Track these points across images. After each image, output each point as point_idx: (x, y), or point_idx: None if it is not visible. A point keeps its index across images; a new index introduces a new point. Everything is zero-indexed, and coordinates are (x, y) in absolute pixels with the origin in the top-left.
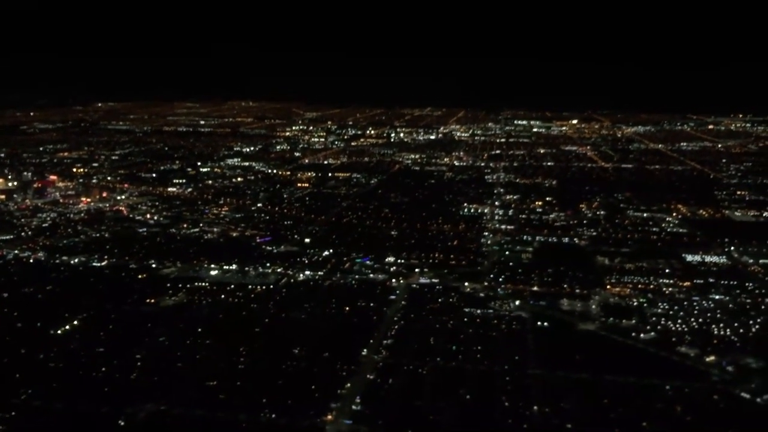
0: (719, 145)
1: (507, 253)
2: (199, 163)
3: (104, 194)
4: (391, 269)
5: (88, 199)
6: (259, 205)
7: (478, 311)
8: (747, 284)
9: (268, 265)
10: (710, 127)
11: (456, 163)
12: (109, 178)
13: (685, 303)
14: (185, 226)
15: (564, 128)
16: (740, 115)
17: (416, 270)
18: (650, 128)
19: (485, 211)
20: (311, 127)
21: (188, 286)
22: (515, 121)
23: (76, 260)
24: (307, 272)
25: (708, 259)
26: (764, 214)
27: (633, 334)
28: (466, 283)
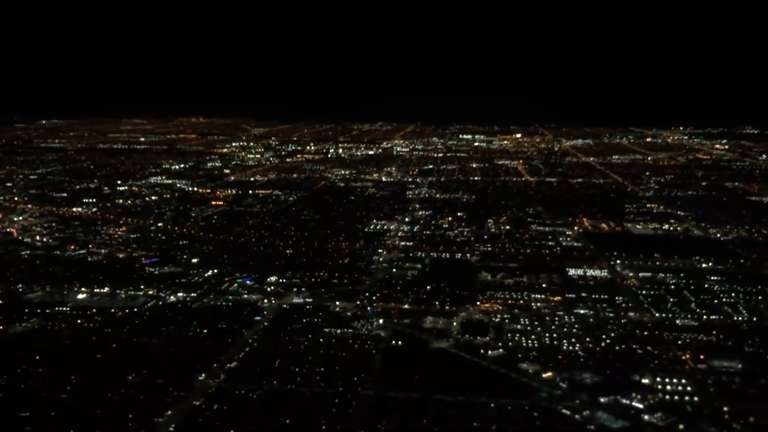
0: (649, 158)
1: (394, 270)
2: (119, 182)
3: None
4: (269, 289)
5: None
6: (160, 224)
7: (338, 331)
8: (617, 298)
9: (141, 287)
10: (648, 139)
11: (384, 178)
12: (16, 198)
13: (547, 318)
14: (73, 248)
15: (505, 142)
16: (681, 128)
17: (294, 290)
18: (589, 141)
19: (391, 227)
20: (251, 143)
21: (47, 311)
22: (460, 136)
23: None
24: (180, 294)
25: (589, 273)
26: (664, 227)
27: (482, 351)
28: (338, 303)
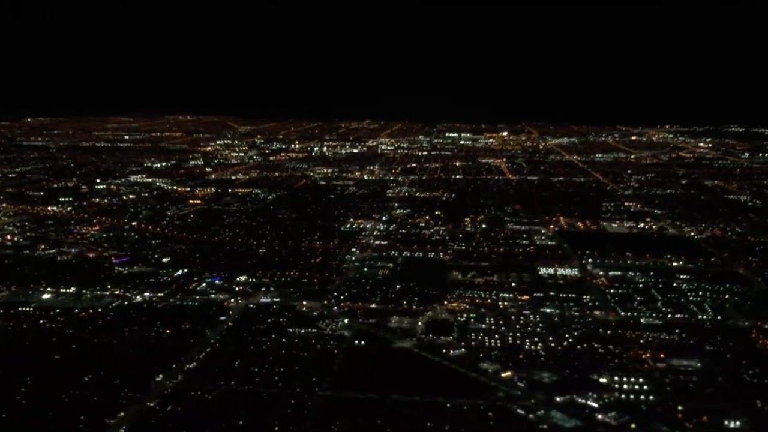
0: (632, 156)
1: (365, 270)
2: (98, 180)
3: None
4: (237, 289)
5: None
6: (134, 224)
7: (302, 331)
8: (584, 297)
9: (108, 287)
10: (634, 138)
11: (366, 177)
12: None
13: (513, 317)
14: (43, 247)
15: (491, 140)
16: (667, 126)
17: (263, 289)
18: (575, 140)
19: (368, 226)
20: (236, 142)
21: (11, 311)
22: (447, 134)
23: None
24: (147, 294)
25: (560, 272)
26: (640, 226)
27: (444, 351)
28: (305, 302)
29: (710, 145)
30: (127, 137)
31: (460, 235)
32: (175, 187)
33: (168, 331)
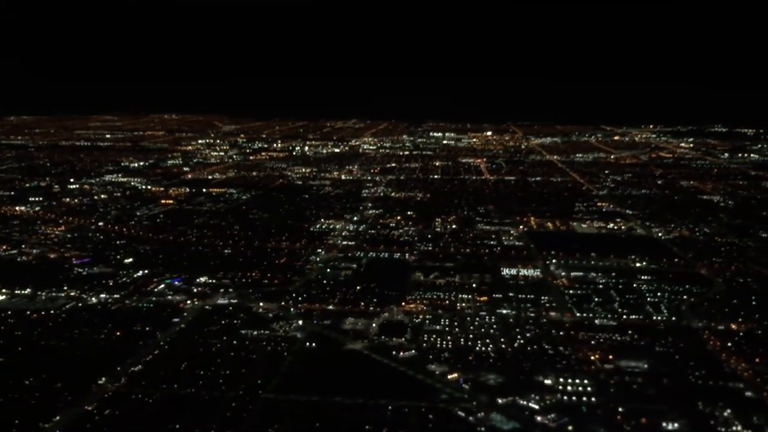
0: (612, 156)
1: (328, 270)
2: (72, 180)
3: None
4: (196, 290)
5: None
6: (101, 224)
7: (254, 333)
8: (542, 298)
9: (65, 288)
10: (616, 138)
11: (343, 177)
12: None
13: (468, 319)
14: (4, 247)
15: (474, 140)
16: (651, 126)
17: (221, 290)
18: (557, 139)
19: (337, 227)
20: (218, 141)
21: None
22: (431, 133)
23: None
24: (103, 295)
25: (522, 272)
26: (609, 226)
27: (394, 352)
28: (262, 304)
29: (691, 145)
30: (108, 136)
31: (429, 236)
32: (149, 187)
33: (118, 333)
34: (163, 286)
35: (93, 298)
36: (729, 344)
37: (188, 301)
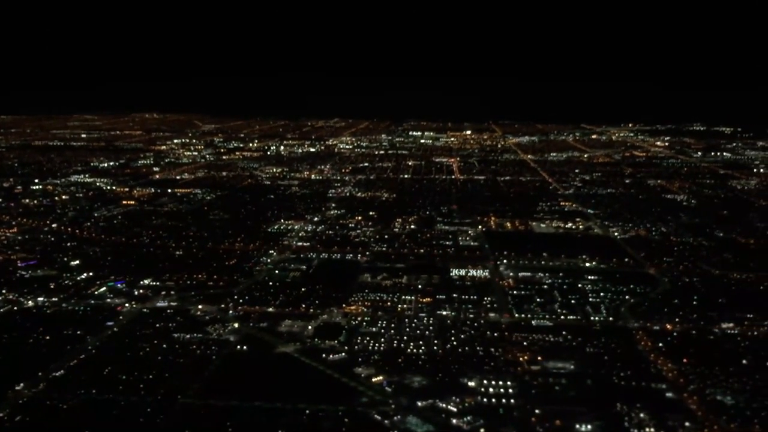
0: (586, 155)
1: (276, 272)
2: (36, 180)
3: None
4: (137, 293)
5: None
6: (55, 225)
7: (187, 336)
8: (485, 299)
9: (3, 291)
10: (594, 136)
11: (313, 176)
12: None
13: (406, 320)
14: None
15: (452, 139)
16: (630, 125)
17: (163, 293)
18: (535, 139)
19: (296, 227)
20: (194, 140)
21: None
22: (409, 133)
23: None
24: (40, 298)
25: (471, 273)
26: (567, 226)
27: (324, 355)
28: (201, 306)
29: (666, 143)
30: (84, 135)
31: (386, 236)
32: (113, 188)
33: (48, 338)
34: (104, 288)
35: (30, 302)
36: (660, 344)
37: (126, 305)
